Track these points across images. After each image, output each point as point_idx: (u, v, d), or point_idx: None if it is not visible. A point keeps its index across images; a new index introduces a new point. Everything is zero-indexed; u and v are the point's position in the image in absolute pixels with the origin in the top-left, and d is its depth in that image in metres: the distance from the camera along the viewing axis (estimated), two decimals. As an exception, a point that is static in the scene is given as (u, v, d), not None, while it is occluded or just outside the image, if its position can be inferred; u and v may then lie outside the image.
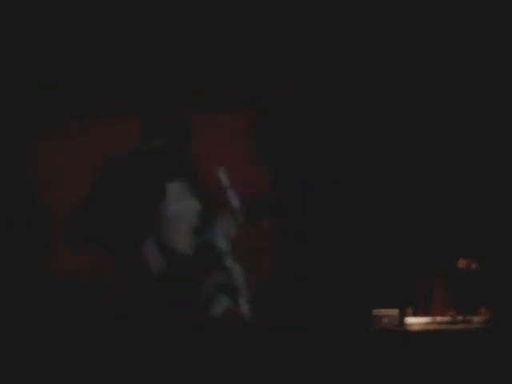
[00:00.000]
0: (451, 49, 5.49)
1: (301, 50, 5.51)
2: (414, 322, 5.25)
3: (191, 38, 5.45)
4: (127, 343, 2.20)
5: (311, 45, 5.51)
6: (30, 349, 4.27)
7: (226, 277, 2.31)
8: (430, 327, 5.19)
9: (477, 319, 5.21)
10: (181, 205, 2.31)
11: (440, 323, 5.22)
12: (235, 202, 2.42)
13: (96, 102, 5.39)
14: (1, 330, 4.65)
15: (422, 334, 5.11)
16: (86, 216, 2.34)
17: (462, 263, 5.36)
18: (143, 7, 5.39)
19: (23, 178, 5.37)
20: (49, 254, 5.06)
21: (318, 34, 5.47)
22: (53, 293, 4.50)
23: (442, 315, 5.28)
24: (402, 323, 5.21)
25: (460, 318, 5.22)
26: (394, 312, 5.20)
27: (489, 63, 5.46)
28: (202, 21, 5.39)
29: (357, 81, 5.55)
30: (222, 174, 2.47)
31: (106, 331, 2.24)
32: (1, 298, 4.89)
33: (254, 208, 3.24)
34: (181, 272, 2.29)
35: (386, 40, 5.49)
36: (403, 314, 5.26)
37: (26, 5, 5.28)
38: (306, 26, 5.44)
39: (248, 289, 2.35)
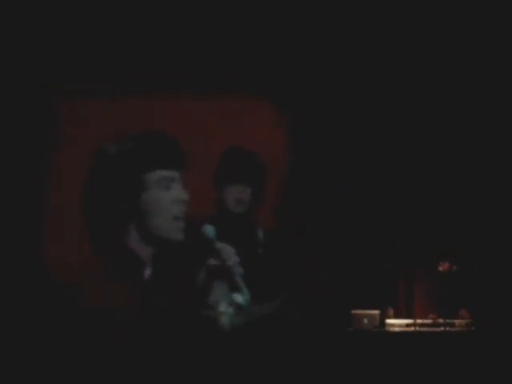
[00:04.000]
0: (450, 51, 5.47)
1: (301, 52, 5.46)
2: (395, 323, 5.23)
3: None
4: (121, 346, 2.10)
5: (311, 46, 5.46)
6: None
7: (217, 259, 2.22)
8: (411, 329, 5.18)
9: (458, 322, 5.21)
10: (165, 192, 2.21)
11: (421, 325, 5.20)
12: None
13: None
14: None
15: (402, 336, 5.10)
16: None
17: (442, 266, 5.36)
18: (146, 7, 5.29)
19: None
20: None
21: (318, 35, 5.43)
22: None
23: (423, 317, 5.27)
24: (382, 324, 5.20)
25: (441, 320, 5.20)
26: (375, 313, 5.19)
27: (489, 64, 5.43)
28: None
29: (354, 85, 5.53)
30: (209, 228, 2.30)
31: (98, 334, 2.12)
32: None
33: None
34: (171, 260, 2.21)
35: (387, 42, 5.46)
36: (384, 315, 5.25)
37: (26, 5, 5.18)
38: (306, 27, 5.40)
39: (242, 267, 2.25)
